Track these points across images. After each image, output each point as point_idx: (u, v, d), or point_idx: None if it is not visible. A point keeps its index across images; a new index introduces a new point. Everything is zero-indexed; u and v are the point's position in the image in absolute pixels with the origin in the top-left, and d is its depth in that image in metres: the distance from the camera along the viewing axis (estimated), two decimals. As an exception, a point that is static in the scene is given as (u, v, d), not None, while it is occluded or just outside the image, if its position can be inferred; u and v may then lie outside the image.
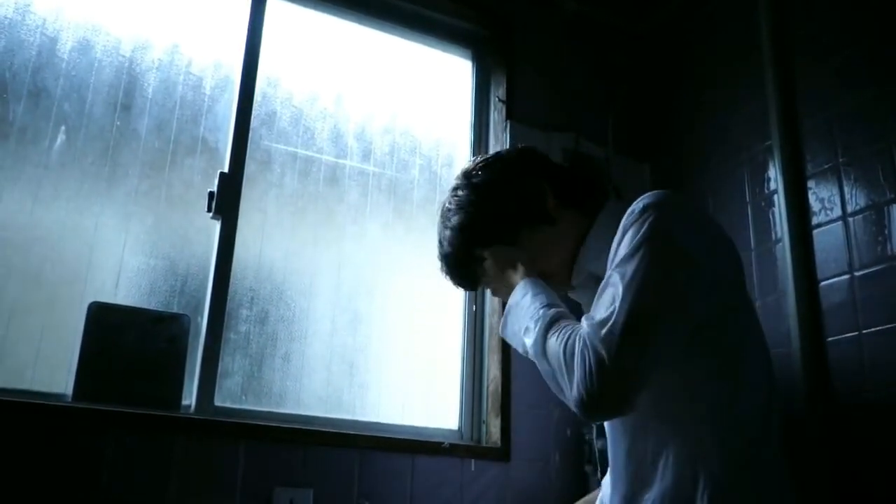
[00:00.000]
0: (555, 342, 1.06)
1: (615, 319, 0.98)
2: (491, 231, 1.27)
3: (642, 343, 0.98)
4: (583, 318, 1.06)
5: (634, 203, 1.10)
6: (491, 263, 1.26)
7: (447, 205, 1.32)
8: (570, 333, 1.04)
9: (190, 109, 1.87)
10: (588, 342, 0.99)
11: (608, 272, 1.07)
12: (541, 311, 1.13)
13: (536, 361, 1.12)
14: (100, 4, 1.83)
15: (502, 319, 1.24)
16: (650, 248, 1.03)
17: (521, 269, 1.24)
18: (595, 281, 1.23)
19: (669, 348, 1.02)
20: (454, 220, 1.29)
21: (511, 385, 1.97)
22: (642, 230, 1.04)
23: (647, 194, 1.12)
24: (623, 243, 1.06)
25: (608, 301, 1.02)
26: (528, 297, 1.18)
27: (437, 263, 1.35)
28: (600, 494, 1.28)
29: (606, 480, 1.26)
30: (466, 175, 1.32)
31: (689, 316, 1.04)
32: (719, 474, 1.04)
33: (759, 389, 1.12)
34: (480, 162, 1.33)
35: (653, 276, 1.01)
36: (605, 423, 1.20)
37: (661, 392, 1.05)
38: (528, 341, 1.13)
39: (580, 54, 2.42)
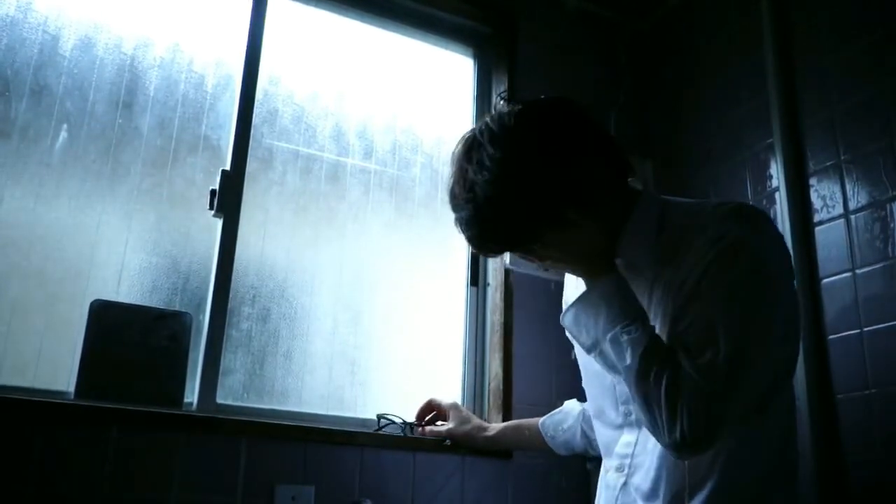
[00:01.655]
0: (656, 378, 1.01)
1: (721, 368, 0.99)
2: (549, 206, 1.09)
3: (743, 388, 1.01)
4: (681, 355, 1.02)
5: (718, 223, 1.07)
6: (577, 236, 1.10)
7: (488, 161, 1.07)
8: (672, 370, 1.01)
9: (192, 107, 1.87)
10: (697, 392, 0.99)
11: (695, 302, 1.04)
12: (640, 329, 1.06)
13: (626, 381, 1.07)
14: (101, 2, 1.83)
15: (572, 308, 1.13)
16: (746, 286, 1.03)
17: (611, 259, 1.14)
18: (629, 271, 1.16)
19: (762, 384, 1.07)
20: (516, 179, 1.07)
21: (512, 383, 1.97)
22: (735, 265, 1.03)
23: (729, 213, 1.09)
24: (709, 274, 1.04)
25: (705, 340, 1.01)
26: (619, 299, 1.09)
27: (474, 214, 1.09)
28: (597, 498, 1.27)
29: (600, 483, 1.25)
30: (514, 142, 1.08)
31: (775, 349, 1.07)
32: (752, 489, 1.09)
33: (790, 404, 1.16)
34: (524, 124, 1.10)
35: (751, 318, 1.02)
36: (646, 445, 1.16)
37: None
38: (622, 362, 1.06)
39: (582, 51, 2.42)
